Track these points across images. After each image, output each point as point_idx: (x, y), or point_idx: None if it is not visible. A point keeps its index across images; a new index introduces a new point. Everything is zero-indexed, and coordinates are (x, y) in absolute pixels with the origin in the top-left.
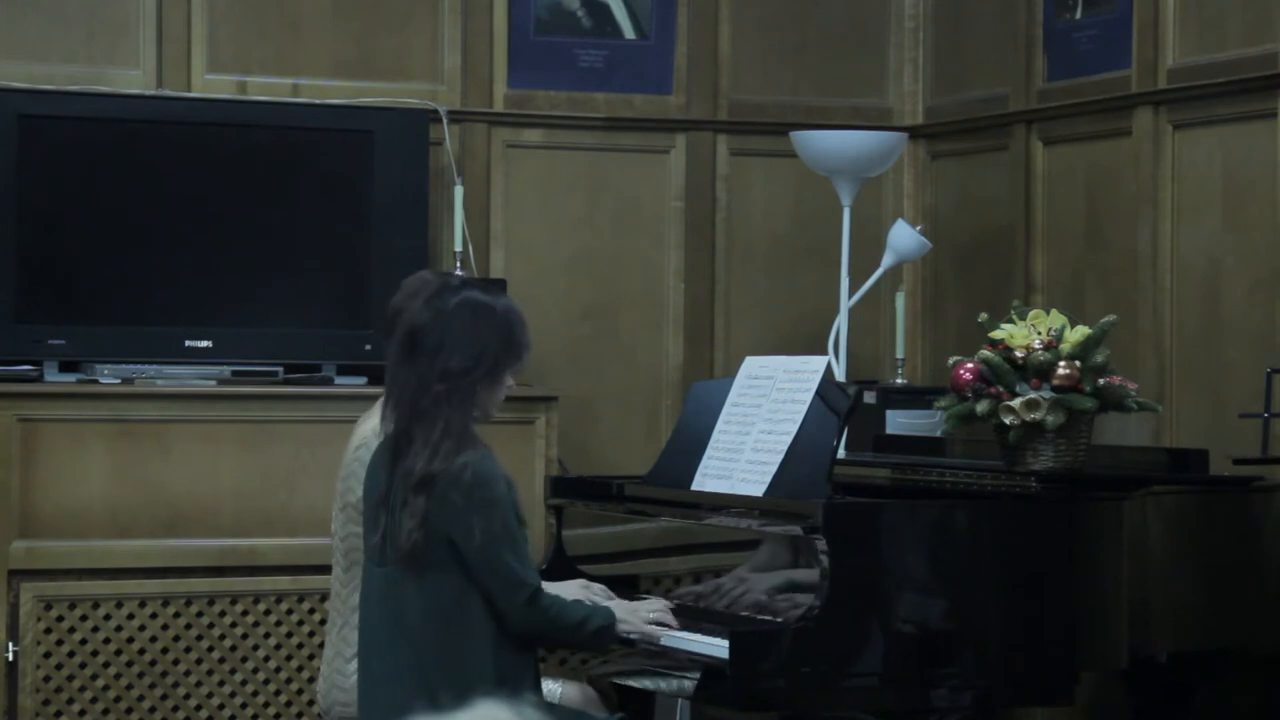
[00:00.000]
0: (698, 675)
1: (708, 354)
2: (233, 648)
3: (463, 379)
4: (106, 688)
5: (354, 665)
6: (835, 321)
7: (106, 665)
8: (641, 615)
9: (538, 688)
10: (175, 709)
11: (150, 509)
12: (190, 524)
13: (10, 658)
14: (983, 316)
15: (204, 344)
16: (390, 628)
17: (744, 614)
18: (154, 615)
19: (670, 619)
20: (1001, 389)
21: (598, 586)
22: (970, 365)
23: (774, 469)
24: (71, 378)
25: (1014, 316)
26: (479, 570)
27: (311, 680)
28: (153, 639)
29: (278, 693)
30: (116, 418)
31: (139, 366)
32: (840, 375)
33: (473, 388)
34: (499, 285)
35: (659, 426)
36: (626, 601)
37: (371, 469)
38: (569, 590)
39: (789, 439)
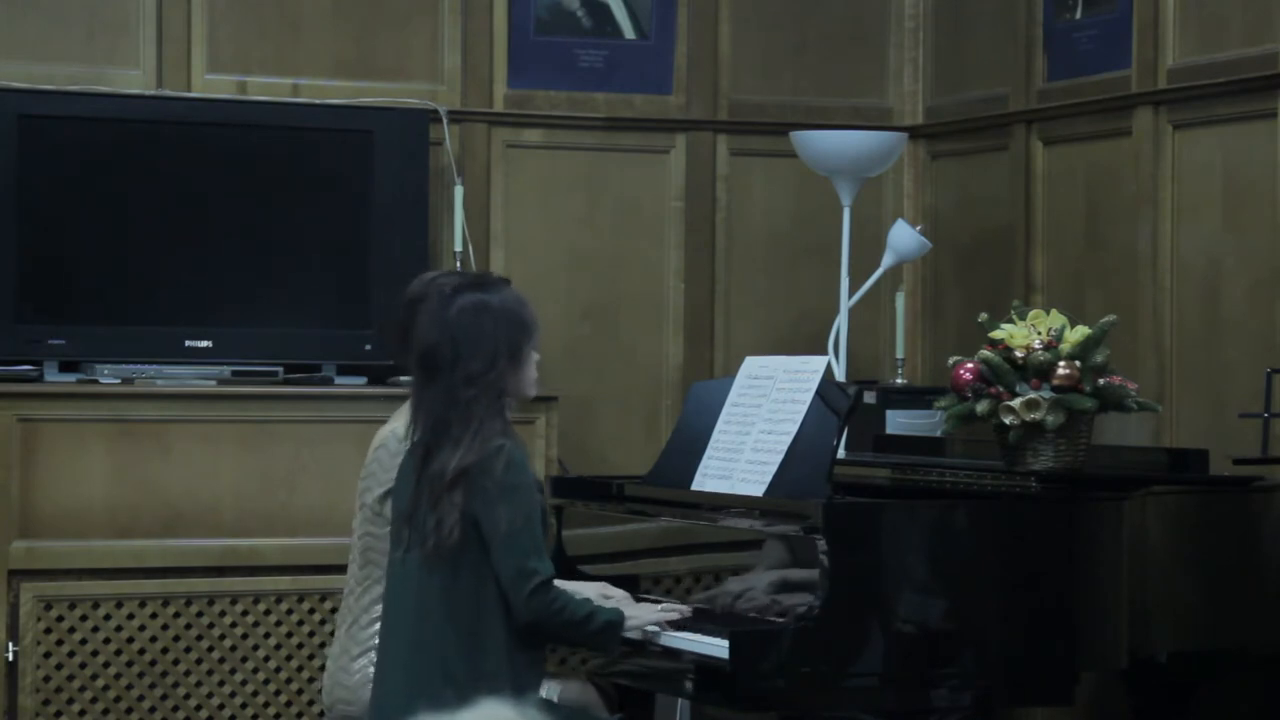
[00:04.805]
0: (698, 675)
1: (708, 354)
2: (233, 648)
3: (488, 376)
4: (106, 688)
5: (359, 664)
6: (835, 321)
7: (106, 665)
8: (643, 614)
9: (539, 687)
10: (175, 709)
11: (150, 509)
12: (190, 524)
13: (10, 658)
14: (983, 316)
15: (204, 344)
16: (407, 617)
17: (744, 614)
18: (154, 615)
19: (674, 616)
20: (1001, 389)
21: (619, 593)
22: (970, 365)
23: (774, 469)
24: (71, 378)
25: (1014, 316)
26: (496, 555)
27: (312, 680)
28: (153, 639)
29: (278, 693)
30: (116, 418)
31: (139, 366)
32: (840, 375)
33: (500, 380)
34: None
35: (659, 426)
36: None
37: (400, 477)
38: (587, 592)
39: (789, 439)
